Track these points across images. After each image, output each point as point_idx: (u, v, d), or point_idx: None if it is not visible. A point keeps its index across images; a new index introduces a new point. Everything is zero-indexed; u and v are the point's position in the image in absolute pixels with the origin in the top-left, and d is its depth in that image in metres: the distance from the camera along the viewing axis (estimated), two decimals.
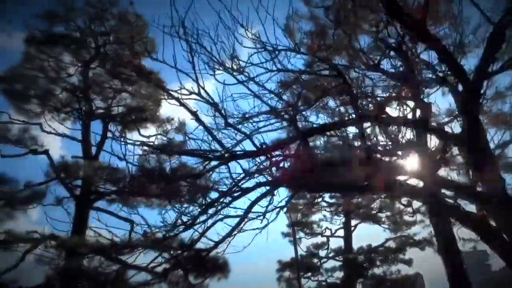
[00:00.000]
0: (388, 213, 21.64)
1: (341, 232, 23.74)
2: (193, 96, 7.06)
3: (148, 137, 15.00)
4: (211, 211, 7.74)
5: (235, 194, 6.98)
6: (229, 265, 15.43)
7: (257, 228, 8.27)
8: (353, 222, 23.60)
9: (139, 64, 14.64)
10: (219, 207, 7.23)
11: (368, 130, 8.81)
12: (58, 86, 14.36)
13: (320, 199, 22.48)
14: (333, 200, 24.22)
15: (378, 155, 7.63)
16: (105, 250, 13.69)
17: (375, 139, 8.59)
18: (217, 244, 7.53)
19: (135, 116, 13.73)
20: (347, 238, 23.09)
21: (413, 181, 7.99)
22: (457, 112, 9.96)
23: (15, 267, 12.42)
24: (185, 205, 8.90)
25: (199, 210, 7.89)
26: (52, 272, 11.52)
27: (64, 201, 12.60)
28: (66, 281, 11.41)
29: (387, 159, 7.88)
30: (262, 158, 7.26)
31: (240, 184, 6.93)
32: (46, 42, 14.46)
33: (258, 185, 6.92)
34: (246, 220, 7.42)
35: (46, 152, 12.95)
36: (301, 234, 25.12)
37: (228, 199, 7.09)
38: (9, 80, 13.51)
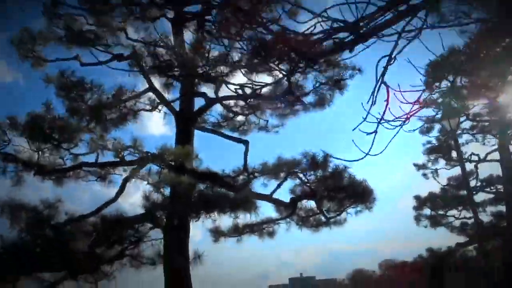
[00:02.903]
0: None
1: (494, 156, 18.87)
2: None
3: None
4: None
5: None
6: (374, 192, 11.85)
7: None
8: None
9: None
10: None
11: None
12: None
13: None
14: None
15: None
16: (217, 176, 10.90)
17: None
18: None
19: None
20: (505, 162, 18.04)
21: None
22: None
23: (115, 200, 10.08)
24: None
25: None
26: (159, 199, 8.90)
27: (161, 110, 9.81)
28: (175, 208, 8.69)
29: None
30: None
31: None
32: None
33: None
34: None
35: (133, 56, 10.12)
36: (439, 164, 20.85)
37: None
38: None
